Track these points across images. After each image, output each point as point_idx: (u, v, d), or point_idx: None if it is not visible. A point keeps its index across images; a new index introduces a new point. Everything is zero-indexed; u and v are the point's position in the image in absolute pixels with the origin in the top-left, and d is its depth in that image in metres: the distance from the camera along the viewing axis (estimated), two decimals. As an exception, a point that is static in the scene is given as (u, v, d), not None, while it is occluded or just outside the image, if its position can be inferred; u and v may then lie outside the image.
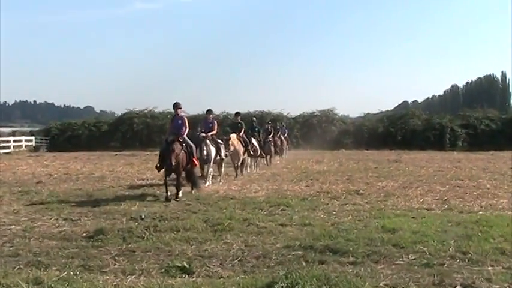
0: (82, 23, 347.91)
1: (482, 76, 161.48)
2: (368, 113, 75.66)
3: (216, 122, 22.90)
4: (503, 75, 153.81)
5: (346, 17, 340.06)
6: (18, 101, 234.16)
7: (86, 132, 67.33)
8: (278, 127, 39.17)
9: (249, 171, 27.74)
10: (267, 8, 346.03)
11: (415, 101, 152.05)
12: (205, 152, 21.03)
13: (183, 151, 18.02)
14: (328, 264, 9.32)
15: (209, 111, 23.16)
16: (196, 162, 19.30)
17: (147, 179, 24.08)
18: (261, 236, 11.78)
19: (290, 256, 9.98)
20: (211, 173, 22.37)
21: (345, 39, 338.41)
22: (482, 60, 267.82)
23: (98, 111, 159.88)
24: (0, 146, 54.97)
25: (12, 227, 13.32)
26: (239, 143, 24.58)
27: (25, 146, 59.85)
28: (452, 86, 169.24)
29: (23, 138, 63.78)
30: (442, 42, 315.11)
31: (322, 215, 14.51)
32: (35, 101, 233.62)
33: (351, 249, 10.23)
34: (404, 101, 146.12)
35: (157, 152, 22.36)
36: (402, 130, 63.98)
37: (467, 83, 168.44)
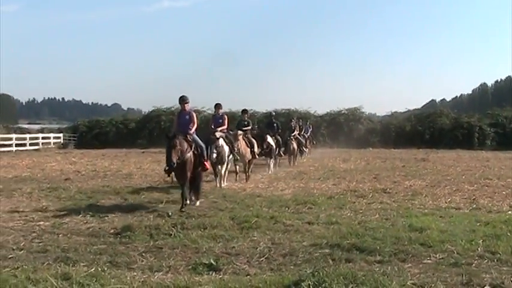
0: (110, 21, 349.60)
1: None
2: (395, 112, 75.31)
3: (226, 117, 21.22)
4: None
5: (375, 15, 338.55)
6: (46, 98, 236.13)
7: (113, 129, 67.72)
8: (301, 124, 37.73)
9: (270, 172, 26.30)
10: (296, 5, 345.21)
11: (443, 99, 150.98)
12: (214, 155, 18.83)
13: (191, 152, 15.64)
14: (355, 263, 9.30)
15: (218, 106, 21.30)
16: (208, 166, 17.13)
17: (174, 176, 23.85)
18: (287, 234, 11.78)
19: (317, 254, 9.96)
20: (227, 174, 21.30)
21: (373, 37, 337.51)
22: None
23: (125, 109, 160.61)
24: (29, 142, 55.62)
25: (41, 223, 13.44)
26: (245, 144, 22.54)
27: (53, 143, 60.41)
28: (481, 85, 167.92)
29: (52, 135, 64.40)
30: (471, 40, 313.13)
31: (349, 214, 14.48)
32: (63, 98, 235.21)
33: (378, 247, 10.19)
34: (432, 100, 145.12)
35: None
36: (430, 129, 63.64)
37: (497, 81, 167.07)
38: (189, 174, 15.51)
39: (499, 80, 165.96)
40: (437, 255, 9.75)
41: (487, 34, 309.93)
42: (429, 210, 15.15)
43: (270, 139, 25.93)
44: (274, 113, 32.29)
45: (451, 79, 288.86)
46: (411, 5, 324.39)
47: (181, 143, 15.22)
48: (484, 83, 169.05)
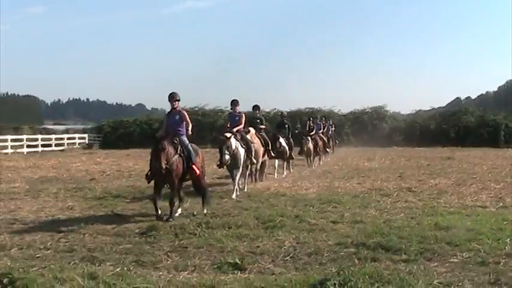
0: (133, 23, 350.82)
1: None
2: (420, 110, 74.73)
3: (243, 115, 19.50)
4: None
5: (398, 15, 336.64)
6: (71, 99, 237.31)
7: (137, 129, 67.77)
8: (319, 123, 35.43)
9: (283, 175, 24.63)
10: (320, 3, 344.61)
11: (468, 97, 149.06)
12: (227, 157, 17.30)
13: (177, 155, 14.05)
14: (381, 262, 9.28)
15: (234, 103, 19.67)
16: (197, 170, 14.69)
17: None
18: (312, 233, 11.79)
19: (342, 253, 9.97)
20: (242, 182, 19.25)
21: (396, 36, 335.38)
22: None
23: (149, 109, 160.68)
24: (54, 143, 56.03)
25: (67, 223, 13.56)
26: (259, 142, 20.61)
27: (78, 144, 60.76)
28: (507, 82, 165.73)
29: (77, 135, 64.84)
30: (496, 36, 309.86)
31: (374, 212, 14.46)
32: (87, 99, 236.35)
33: (404, 246, 10.17)
34: (457, 98, 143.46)
35: (208, 149, 20.74)
36: (455, 127, 63.14)
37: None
38: (177, 180, 14.07)
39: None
40: (464, 254, 9.73)
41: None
42: (455, 208, 15.10)
43: (282, 140, 23.97)
44: (285, 113, 29.54)
45: (476, 76, 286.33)
46: (434, 4, 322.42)
47: (169, 145, 13.74)
48: (510, 80, 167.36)
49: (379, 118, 67.68)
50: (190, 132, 15.01)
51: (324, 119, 39.39)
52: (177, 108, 15.04)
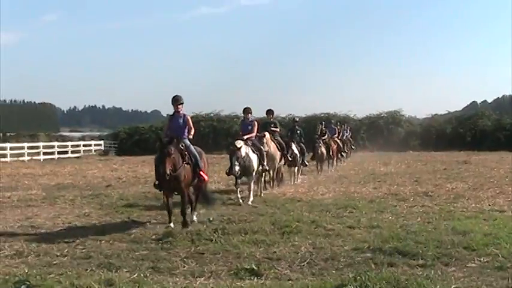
0: (147, 29, 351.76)
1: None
2: (436, 114, 74.62)
3: (256, 123, 18.83)
4: None
5: (413, 18, 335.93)
6: (87, 106, 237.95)
7: (153, 135, 67.83)
8: (333, 127, 34.93)
9: (296, 181, 23.80)
10: (333, 9, 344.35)
11: (485, 101, 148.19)
12: (237, 168, 16.60)
13: (185, 163, 13.40)
14: (398, 267, 9.24)
15: (246, 110, 19.04)
16: (205, 177, 14.50)
17: (214, 182, 23.86)
18: (328, 238, 11.76)
19: (359, 258, 9.94)
20: (256, 190, 18.74)
21: (412, 39, 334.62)
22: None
23: (165, 115, 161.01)
24: (70, 150, 56.46)
25: (84, 229, 13.59)
26: (275, 146, 20.21)
27: (94, 150, 61.16)
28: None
29: (93, 142, 65.28)
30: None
31: (390, 217, 14.41)
32: (103, 106, 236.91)
33: (421, 251, 10.13)
34: (473, 101, 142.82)
35: (224, 155, 20.34)
36: (471, 131, 63.05)
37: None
38: (186, 190, 13.50)
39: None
40: (482, 259, 9.68)
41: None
42: (472, 213, 15.04)
43: (294, 147, 23.08)
44: (297, 119, 28.88)
45: (493, 80, 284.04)
46: (450, 7, 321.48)
47: (175, 151, 13.00)
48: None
49: (394, 122, 67.74)
50: (191, 137, 14.46)
51: (338, 123, 39.34)
52: (181, 112, 14.39)
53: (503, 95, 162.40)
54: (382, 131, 65.60)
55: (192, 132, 14.44)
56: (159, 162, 12.93)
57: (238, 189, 17.64)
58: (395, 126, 67.02)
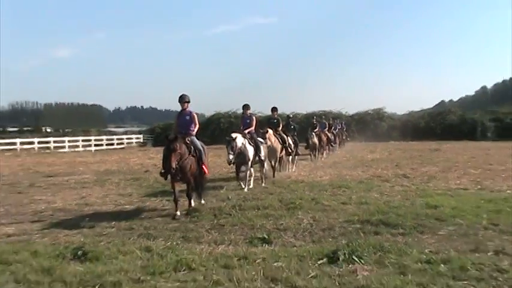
0: (177, 43, 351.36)
1: (508, 78, 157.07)
2: (412, 111, 74.15)
3: (254, 118, 17.58)
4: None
5: (392, 32, 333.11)
6: (129, 106, 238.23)
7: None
8: (324, 122, 34.05)
9: (291, 169, 22.39)
10: (327, 28, 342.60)
11: (451, 100, 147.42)
12: (231, 156, 15.18)
13: (190, 155, 12.47)
14: (382, 235, 9.23)
15: (246, 107, 17.63)
16: (207, 170, 13.47)
17: (232, 168, 23.58)
18: (326, 212, 11.72)
19: (350, 229, 9.91)
20: (253, 175, 17.19)
21: (392, 51, 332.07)
22: (509, 62, 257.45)
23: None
24: (116, 142, 56.70)
25: (127, 206, 13.66)
26: (276, 140, 19.25)
27: (135, 142, 61.26)
28: (482, 87, 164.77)
29: (134, 136, 65.43)
30: (474, 49, 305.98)
31: (375, 195, 14.33)
32: (142, 106, 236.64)
33: (400, 222, 10.13)
34: (442, 100, 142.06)
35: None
36: (441, 124, 62.86)
37: (495, 84, 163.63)
38: (191, 178, 12.55)
39: (497, 83, 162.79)
40: (449, 228, 9.68)
41: (487, 44, 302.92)
42: (442, 191, 14.97)
43: (289, 139, 21.59)
44: (291, 115, 28.23)
45: (458, 82, 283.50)
46: (425, 21, 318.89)
47: (181, 146, 12.10)
48: (485, 86, 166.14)
49: (379, 118, 67.55)
50: (194, 132, 13.27)
51: (331, 119, 39.16)
52: (187, 110, 13.37)
53: (466, 95, 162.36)
54: (369, 125, 65.31)
55: (197, 128, 13.38)
56: (166, 156, 11.89)
57: (241, 179, 16.44)
58: (380, 121, 66.77)
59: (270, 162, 19.20)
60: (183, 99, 13.24)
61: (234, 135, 15.67)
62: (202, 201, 13.49)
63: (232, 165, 16.11)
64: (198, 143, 13.12)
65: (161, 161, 12.46)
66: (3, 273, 7.29)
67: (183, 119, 13.29)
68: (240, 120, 18.04)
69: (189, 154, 12.37)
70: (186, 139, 12.59)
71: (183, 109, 13.31)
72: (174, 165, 11.60)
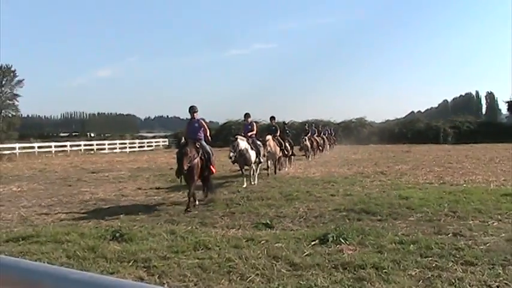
0: (197, 64, 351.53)
1: (463, 94, 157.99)
2: (388, 120, 74.17)
3: (254, 124, 17.25)
4: (477, 93, 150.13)
5: (375, 54, 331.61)
6: (157, 116, 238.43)
7: (201, 135, 67.78)
8: (314, 129, 32.83)
9: (286, 168, 21.42)
10: (321, 52, 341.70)
11: (419, 111, 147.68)
12: (231, 154, 14.78)
13: (199, 158, 11.91)
14: (363, 221, 9.24)
15: (247, 115, 17.31)
16: (214, 170, 12.89)
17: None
18: (318, 202, 11.74)
19: (338, 216, 9.92)
20: (257, 171, 16.72)
21: (371, 68, 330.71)
22: (465, 80, 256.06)
23: (208, 121, 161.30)
24: (146, 145, 56.88)
25: (155, 197, 13.73)
26: (275, 144, 18.80)
27: (162, 145, 61.30)
28: (444, 101, 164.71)
29: (161, 140, 65.62)
30: (438, 70, 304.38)
31: (358, 188, 14.33)
32: (167, 115, 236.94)
33: (378, 210, 10.13)
34: (412, 111, 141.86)
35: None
36: (411, 131, 62.82)
37: (454, 98, 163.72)
38: (196, 177, 11.88)
39: (456, 97, 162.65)
40: (418, 215, 9.68)
41: (448, 65, 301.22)
42: (412, 184, 14.98)
43: (286, 142, 20.99)
44: (286, 122, 28.29)
45: (425, 96, 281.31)
46: (401, 48, 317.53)
47: (191, 150, 11.61)
48: (446, 100, 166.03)
49: (361, 125, 67.50)
50: (209, 138, 12.80)
51: (320, 126, 38.97)
52: (196, 118, 12.80)
53: (431, 107, 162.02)
54: (353, 131, 65.10)
55: (208, 132, 12.74)
56: (179, 160, 11.39)
57: (245, 178, 15.80)
58: (362, 128, 66.64)
59: (269, 162, 19.18)
60: (192, 110, 12.80)
61: (237, 137, 15.33)
62: (209, 196, 12.77)
63: (236, 164, 16.10)
64: (207, 146, 12.59)
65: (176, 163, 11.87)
66: (56, 250, 7.35)
67: (192, 126, 12.77)
68: (242, 127, 17.89)
69: (197, 156, 11.85)
70: (196, 144, 12.10)
71: (192, 118, 12.81)
72: (185, 167, 11.22)
